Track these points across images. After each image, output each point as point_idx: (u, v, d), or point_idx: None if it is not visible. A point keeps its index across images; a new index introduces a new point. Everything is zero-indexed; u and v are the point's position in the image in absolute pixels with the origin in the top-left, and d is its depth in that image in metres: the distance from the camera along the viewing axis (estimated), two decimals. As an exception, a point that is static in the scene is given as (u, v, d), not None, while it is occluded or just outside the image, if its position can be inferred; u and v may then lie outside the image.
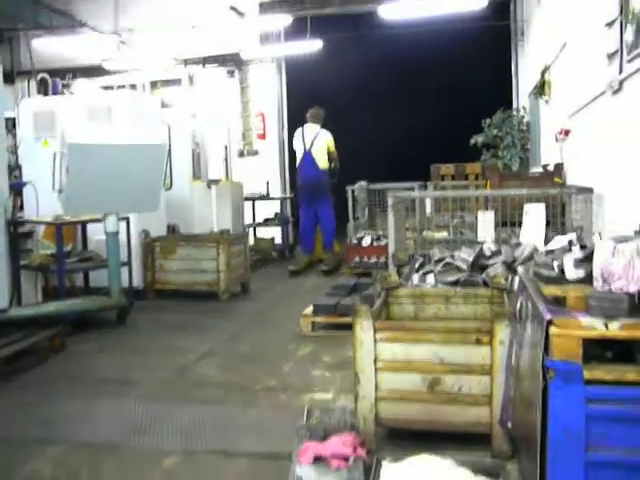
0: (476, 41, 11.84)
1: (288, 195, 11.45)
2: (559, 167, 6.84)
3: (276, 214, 11.03)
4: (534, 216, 4.92)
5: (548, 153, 8.15)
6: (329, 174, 9.06)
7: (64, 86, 8.60)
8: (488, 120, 11.05)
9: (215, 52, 12.01)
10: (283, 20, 10.41)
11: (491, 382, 3.09)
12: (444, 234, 6.95)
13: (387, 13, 9.48)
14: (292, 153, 12.51)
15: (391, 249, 5.17)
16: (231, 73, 12.13)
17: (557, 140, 6.56)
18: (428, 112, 14.26)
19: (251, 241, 10.53)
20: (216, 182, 8.76)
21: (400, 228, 5.33)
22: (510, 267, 4.25)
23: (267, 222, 10.95)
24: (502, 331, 3.03)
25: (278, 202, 11.12)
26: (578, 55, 6.14)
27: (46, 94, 8.06)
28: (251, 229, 10.73)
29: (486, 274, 4.15)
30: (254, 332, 5.85)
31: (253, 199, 10.73)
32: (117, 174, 5.36)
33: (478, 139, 11.10)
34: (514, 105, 11.64)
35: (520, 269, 3.98)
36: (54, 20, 10.62)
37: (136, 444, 3.42)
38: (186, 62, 12.21)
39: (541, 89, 8.06)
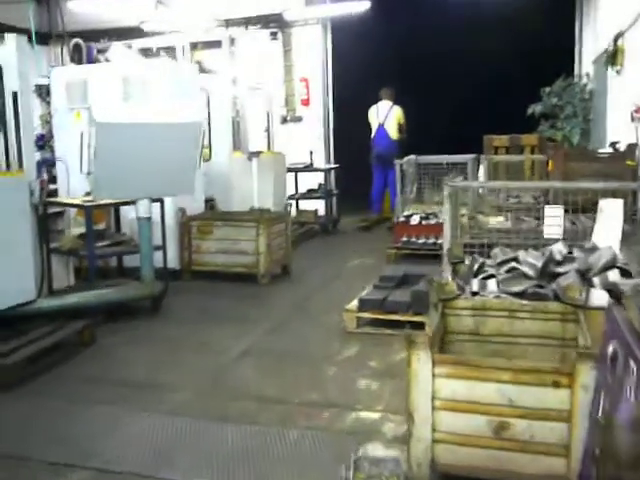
0: (538, 2, 11.01)
1: (333, 165, 10.90)
2: (632, 148, 6.20)
3: (320, 185, 10.55)
4: (610, 214, 4.37)
5: (617, 129, 7.46)
6: (399, 144, 10.31)
7: (99, 51, 8.19)
8: (547, 88, 10.32)
9: (258, 12, 11.44)
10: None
11: (569, 431, 2.63)
12: (500, 219, 6.42)
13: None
14: (338, 120, 12.05)
15: (446, 244, 4.69)
16: (274, 35, 11.55)
17: (633, 119, 5.91)
18: (483, 80, 13.45)
19: (293, 213, 10.16)
20: (257, 154, 8.30)
21: (456, 220, 4.83)
22: (584, 276, 3.73)
23: (310, 194, 10.47)
24: (586, 375, 2.57)
25: (322, 173, 10.61)
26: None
27: (80, 60, 7.69)
28: (293, 201, 10.29)
29: (557, 284, 3.64)
30: (294, 326, 5.46)
31: (296, 170, 10.25)
32: (149, 155, 4.97)
33: (536, 109, 10.42)
34: (576, 72, 10.82)
35: (603, 293, 3.50)
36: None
37: (161, 477, 3.08)
38: (227, 23, 11.67)
39: (612, 57, 7.33)
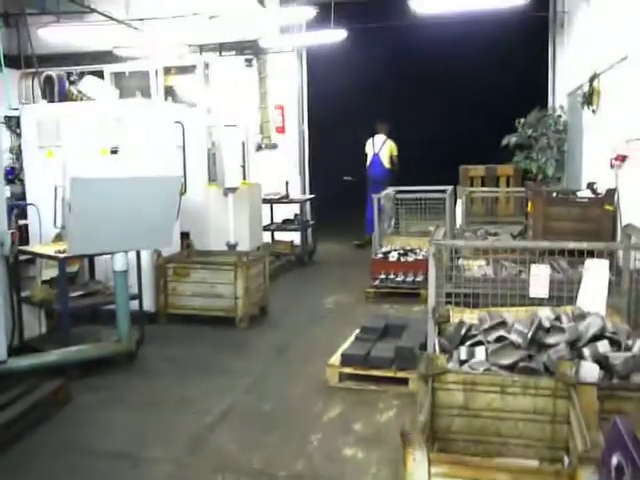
0: (511, 34, 11.07)
1: (308, 196, 10.81)
2: (611, 193, 6.23)
3: (296, 215, 10.46)
4: (595, 274, 4.35)
5: (593, 169, 7.51)
6: (391, 172, 11.52)
7: (71, 83, 7.97)
8: (522, 119, 10.39)
9: (232, 39, 11.34)
10: (306, 12, 9.68)
11: (570, 534, 2.57)
12: (481, 262, 6.39)
13: (419, 6, 8.74)
14: (312, 149, 12.00)
15: (431, 303, 4.62)
16: (249, 62, 11.48)
17: (612, 166, 5.94)
18: (457, 110, 13.55)
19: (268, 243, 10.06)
20: (233, 190, 8.17)
21: (441, 279, 4.76)
22: (574, 346, 3.70)
23: (286, 224, 10.37)
24: None
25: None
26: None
27: (52, 94, 7.48)
28: (268, 232, 10.18)
29: (547, 357, 3.60)
30: (276, 380, 5.34)
31: (272, 202, 10.14)
32: (126, 209, 4.82)
33: (511, 139, 10.47)
34: (549, 104, 10.91)
35: (593, 367, 3.46)
36: (62, 6, 9.95)
37: None
38: (201, 49, 11.56)
39: (589, 97, 7.38)
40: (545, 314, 4.05)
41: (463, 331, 4.12)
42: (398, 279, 7.90)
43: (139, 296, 5.82)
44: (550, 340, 3.74)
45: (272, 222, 10.43)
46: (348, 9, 10.37)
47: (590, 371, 3.48)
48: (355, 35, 10.69)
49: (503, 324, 4.12)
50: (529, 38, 11.02)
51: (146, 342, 5.87)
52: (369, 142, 11.61)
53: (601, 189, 6.81)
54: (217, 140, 8.36)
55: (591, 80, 7.37)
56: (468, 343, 4.00)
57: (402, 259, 8.19)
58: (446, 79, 13.00)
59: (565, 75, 10.28)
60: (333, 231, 12.01)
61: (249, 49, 11.40)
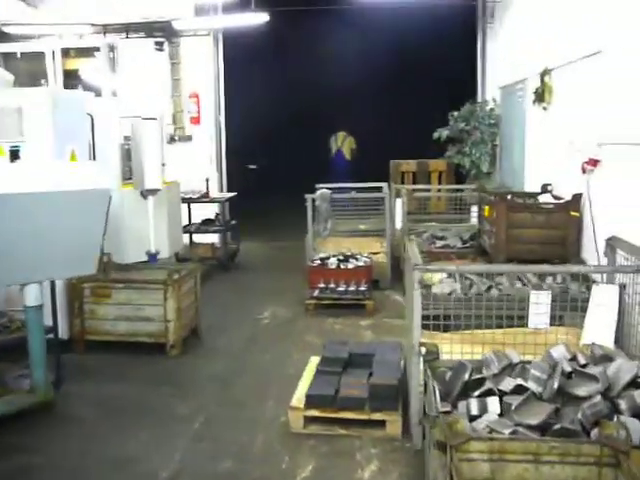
0: (442, 23, 10.65)
1: (230, 194, 9.87)
2: (577, 198, 5.82)
3: (217, 216, 9.58)
4: (602, 303, 3.86)
5: (545, 168, 7.14)
6: (351, 163, 13.29)
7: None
8: (455, 112, 9.98)
9: (141, 18, 10.23)
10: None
11: None
12: (443, 276, 5.81)
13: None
14: (229, 140, 11.10)
15: (416, 337, 3.97)
16: (160, 45, 10.40)
17: (584, 171, 5.51)
18: (384, 103, 13.01)
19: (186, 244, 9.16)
20: (154, 192, 7.21)
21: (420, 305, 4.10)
22: (605, 396, 3.16)
23: (206, 225, 9.46)
24: None
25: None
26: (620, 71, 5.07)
27: None
28: (186, 235, 9.25)
29: (582, 413, 3.03)
30: (227, 424, 4.54)
31: (190, 201, 9.21)
32: (41, 230, 3.87)
33: (443, 133, 10.03)
34: (479, 96, 10.55)
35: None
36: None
37: None
38: (105, 29, 10.36)
39: (541, 94, 6.97)
40: (560, 353, 3.50)
41: (466, 376, 3.50)
42: (340, 289, 7.24)
43: (54, 327, 4.85)
44: (580, 391, 3.18)
45: (190, 223, 9.49)
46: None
47: (637, 430, 2.95)
48: (277, 19, 9.88)
49: (512, 366, 3.55)
50: (460, 28, 10.61)
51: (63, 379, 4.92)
52: (332, 138, 13.45)
53: (559, 192, 6.43)
54: (134, 134, 7.35)
55: (542, 76, 6.96)
56: (477, 393, 3.39)
57: (342, 266, 7.54)
58: (374, 68, 12.42)
59: (497, 67, 9.93)
60: (250, 229, 11.15)
61: (159, 31, 10.32)
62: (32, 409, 4.30)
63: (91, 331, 5.83)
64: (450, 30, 11.07)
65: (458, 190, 8.98)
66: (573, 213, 5.87)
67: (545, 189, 6.75)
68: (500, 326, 4.46)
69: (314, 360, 5.12)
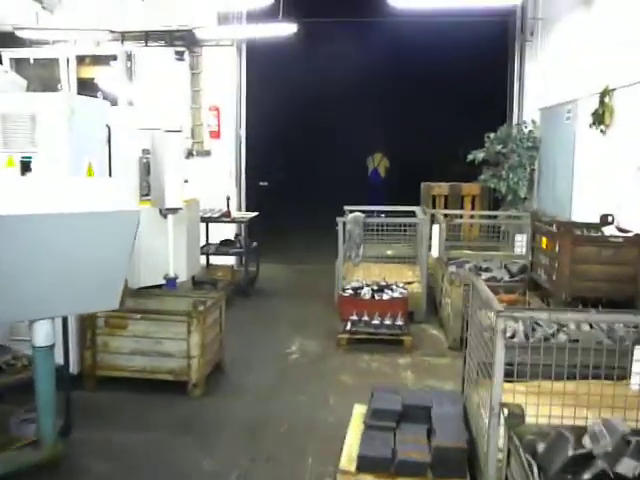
0: (474, 39, 10.11)
1: (252, 213, 9.22)
2: (651, 232, 5.23)
3: (237, 236, 8.98)
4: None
5: (601, 196, 6.54)
6: (386, 179, 14.50)
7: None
8: (492, 134, 9.40)
9: (161, 26, 9.70)
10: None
11: None
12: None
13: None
14: (250, 156, 10.54)
15: (496, 395, 3.34)
16: (180, 55, 9.85)
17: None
18: (413, 121, 12.47)
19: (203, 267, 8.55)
20: (175, 211, 6.62)
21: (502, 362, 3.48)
22: None
23: (225, 246, 8.85)
24: None
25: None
26: None
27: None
28: (204, 256, 8.65)
29: None
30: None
31: (210, 220, 8.61)
32: (58, 258, 3.26)
33: (478, 155, 9.44)
34: (515, 117, 9.98)
35: None
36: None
37: None
38: (123, 36, 9.84)
39: (601, 116, 6.39)
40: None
41: (570, 451, 2.87)
42: (374, 322, 6.61)
43: (65, 365, 4.23)
44: None
45: (208, 244, 8.89)
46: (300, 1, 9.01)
47: None
48: (305, 30, 9.35)
49: (624, 440, 2.92)
50: (494, 46, 10.08)
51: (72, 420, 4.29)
52: (369, 158, 14.71)
53: (623, 224, 5.83)
54: (154, 148, 6.78)
55: (602, 96, 6.38)
56: (587, 476, 2.76)
57: (376, 296, 6.92)
58: (405, 83, 11.88)
59: (536, 87, 9.36)
60: (266, 250, 10.50)
61: (181, 40, 9.79)
62: (37, 465, 3.65)
63: (103, 366, 5.20)
64: (484, 47, 10.52)
65: (506, 217, 8.37)
66: (646, 249, 5.27)
67: (605, 220, 6.15)
68: (572, 376, 3.86)
69: (359, 409, 4.48)
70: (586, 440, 3.06)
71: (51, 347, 3.51)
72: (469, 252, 8.23)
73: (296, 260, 10.82)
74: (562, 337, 4.72)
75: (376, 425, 4.11)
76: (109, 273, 3.46)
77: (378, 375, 5.78)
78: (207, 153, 10.07)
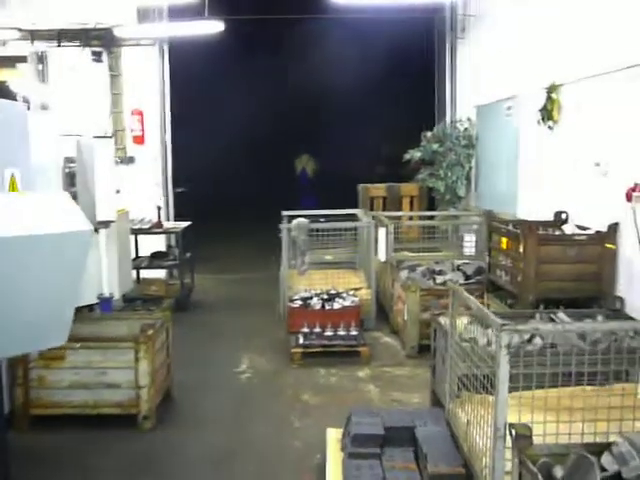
0: (404, 37, 9.95)
1: (182, 223, 8.61)
2: (614, 228, 5.12)
3: (169, 248, 8.43)
4: None
5: (552, 193, 6.46)
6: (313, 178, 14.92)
7: None
8: (429, 133, 9.27)
9: (76, 25, 9.01)
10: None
11: None
12: (469, 322, 4.95)
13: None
14: (178, 163, 10.00)
15: (501, 418, 3.05)
16: (98, 56, 9.19)
17: (630, 199, 4.80)
18: (348, 123, 12.21)
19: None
20: (107, 224, 6.04)
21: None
22: None
23: (157, 259, 8.27)
24: None
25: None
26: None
27: None
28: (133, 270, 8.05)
29: None
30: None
31: (140, 232, 8.03)
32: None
33: (415, 154, 9.28)
34: (448, 116, 9.89)
35: None
36: None
37: None
38: (33, 35, 9.07)
39: (549, 112, 6.30)
40: None
41: (597, 477, 2.62)
42: (328, 333, 6.27)
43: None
44: None
45: (138, 257, 8.29)
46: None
47: None
48: (234, 28, 8.91)
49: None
50: (424, 44, 9.96)
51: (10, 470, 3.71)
52: (297, 160, 15.16)
53: (580, 221, 5.73)
54: (80, 156, 6.17)
55: (549, 91, 6.28)
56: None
57: (327, 306, 6.59)
58: (334, 84, 11.58)
59: (470, 84, 9.29)
60: (199, 259, 9.95)
61: (98, 39, 9.13)
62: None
63: (39, 403, 4.61)
64: (414, 45, 10.40)
65: (451, 217, 8.22)
66: (609, 245, 5.16)
67: (559, 217, 6.06)
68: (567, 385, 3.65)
69: (333, 434, 4.15)
70: (607, 460, 2.84)
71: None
72: (410, 254, 8.00)
73: (227, 270, 10.35)
74: (538, 341, 4.52)
75: (359, 453, 3.77)
76: (57, 303, 2.94)
77: (339, 391, 5.44)
78: (131, 160, 9.45)
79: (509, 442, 3.01)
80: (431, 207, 9.55)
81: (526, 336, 4.55)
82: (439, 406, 4.82)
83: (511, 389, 3.70)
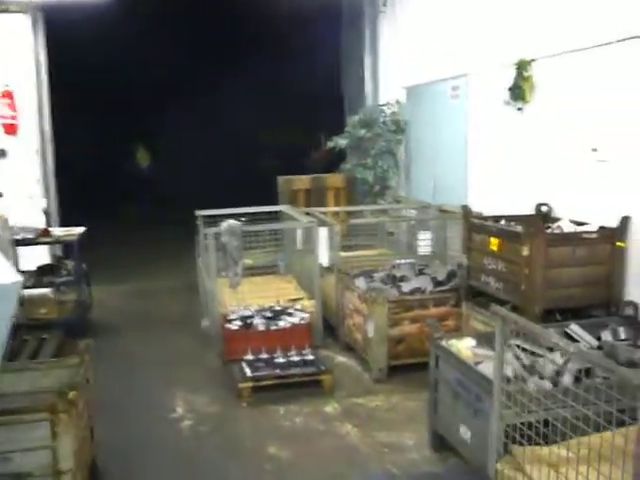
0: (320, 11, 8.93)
1: (76, 229, 7.04)
2: (625, 223, 4.40)
3: (60, 260, 6.93)
4: None
5: (521, 182, 5.71)
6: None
7: None
8: (356, 117, 8.33)
9: None
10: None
11: None
12: (472, 343, 4.03)
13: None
14: (63, 156, 8.43)
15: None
16: (-48, 24, 7.44)
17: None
18: (263, 105, 10.97)
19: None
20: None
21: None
22: None
23: (45, 275, 6.74)
24: None
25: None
26: None
27: None
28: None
29: None
30: None
31: (24, 242, 6.45)
32: None
33: (340, 142, 8.31)
34: (369, 98, 9.00)
35: None
36: None
37: None
38: None
39: (520, 91, 5.51)
40: None
41: None
42: (279, 360, 5.16)
43: None
44: None
45: (21, 273, 6.70)
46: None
47: None
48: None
49: None
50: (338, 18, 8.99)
51: None
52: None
53: (573, 215, 5.00)
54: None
55: (519, 69, 5.50)
56: None
57: (272, 326, 5.49)
58: (247, 61, 10.34)
59: (396, 64, 8.41)
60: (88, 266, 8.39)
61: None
62: None
63: None
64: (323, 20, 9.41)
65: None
66: (619, 244, 4.44)
67: (540, 210, 5.31)
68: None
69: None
70: None
71: None
72: (345, 254, 6.99)
73: (127, 278, 8.89)
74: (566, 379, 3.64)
75: None
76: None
77: (311, 437, 4.39)
78: (2, 154, 7.77)
79: None
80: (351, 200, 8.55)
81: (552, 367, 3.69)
82: (443, 449, 3.97)
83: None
